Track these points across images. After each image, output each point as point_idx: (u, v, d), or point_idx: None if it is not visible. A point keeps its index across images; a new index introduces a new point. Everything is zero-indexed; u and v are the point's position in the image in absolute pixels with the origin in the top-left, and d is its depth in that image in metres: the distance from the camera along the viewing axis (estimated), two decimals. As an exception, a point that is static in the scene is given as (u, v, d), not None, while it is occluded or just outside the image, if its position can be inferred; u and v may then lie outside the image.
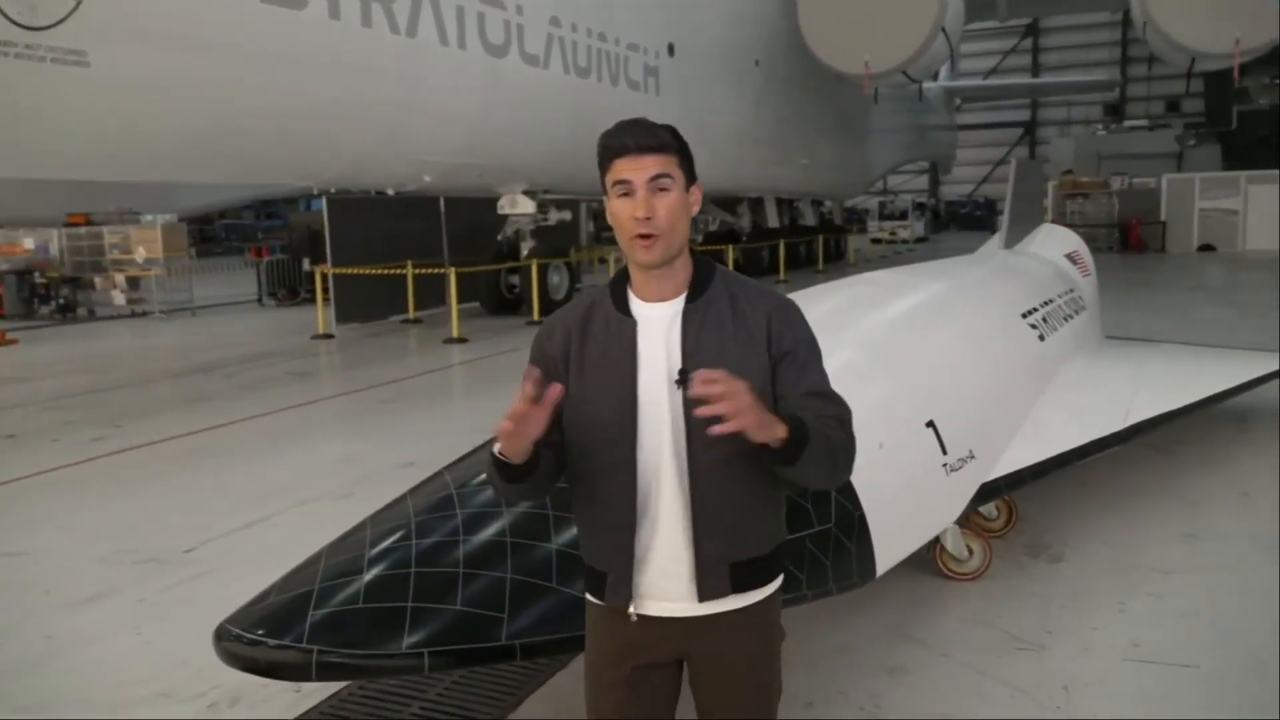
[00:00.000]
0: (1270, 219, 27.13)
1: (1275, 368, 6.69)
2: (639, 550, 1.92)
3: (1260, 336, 11.03)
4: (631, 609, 1.94)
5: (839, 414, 1.91)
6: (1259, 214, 27.51)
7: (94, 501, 6.27)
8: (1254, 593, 4.19)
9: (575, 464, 1.97)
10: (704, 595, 1.92)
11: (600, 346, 1.93)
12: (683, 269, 1.94)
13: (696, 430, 1.80)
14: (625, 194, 1.86)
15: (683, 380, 1.84)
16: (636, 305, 1.94)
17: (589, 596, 2.06)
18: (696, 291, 1.93)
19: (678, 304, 1.92)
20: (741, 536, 1.94)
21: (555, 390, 1.78)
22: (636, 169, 1.84)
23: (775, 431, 1.73)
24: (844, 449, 1.89)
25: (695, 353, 1.87)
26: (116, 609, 4.45)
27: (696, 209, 1.94)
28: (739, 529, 1.93)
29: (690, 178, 1.92)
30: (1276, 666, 3.50)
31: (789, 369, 1.92)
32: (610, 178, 1.87)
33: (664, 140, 1.87)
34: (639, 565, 1.93)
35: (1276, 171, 27.54)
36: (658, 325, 1.91)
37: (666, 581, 1.92)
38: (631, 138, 1.85)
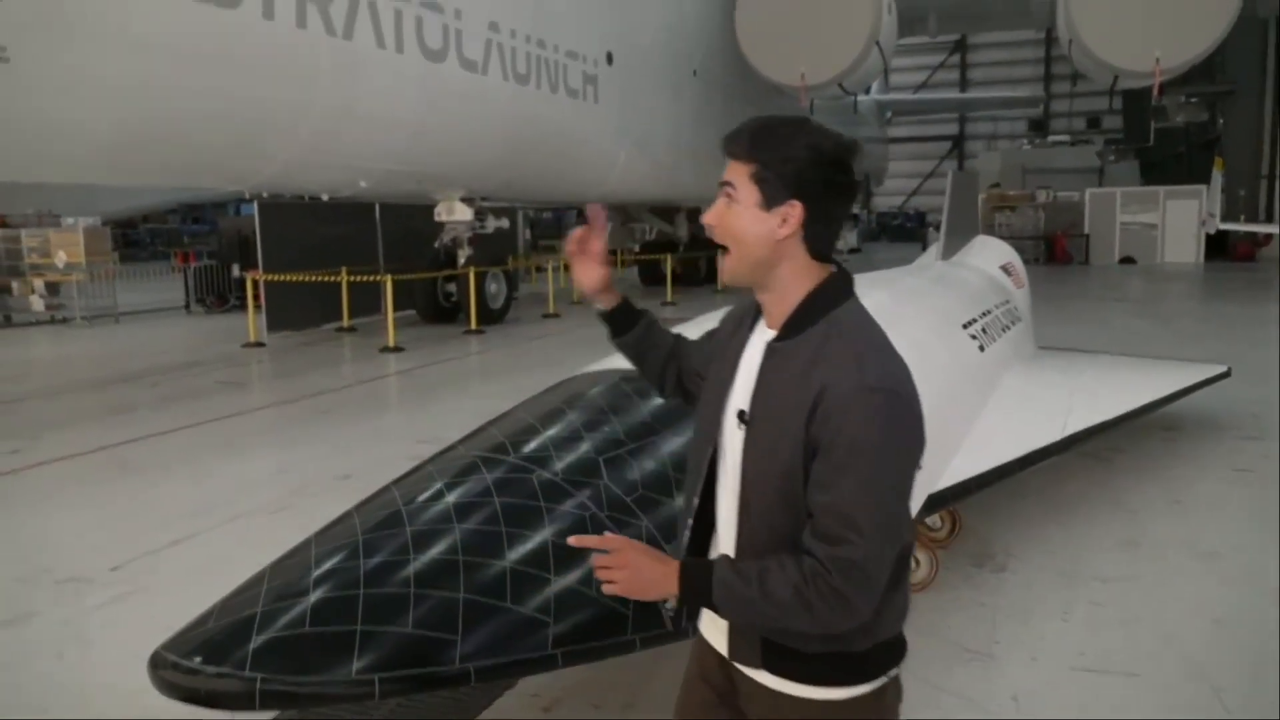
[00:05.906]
0: (1186, 233, 28.12)
1: (1198, 379, 6.88)
2: None
3: (1181, 345, 11.37)
4: (700, 623, 1.84)
5: (840, 556, 1.49)
6: (1176, 228, 28.46)
7: (10, 518, 5.98)
8: (1189, 600, 4.28)
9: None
10: (733, 654, 1.72)
11: (724, 348, 1.79)
12: (784, 300, 1.67)
13: (749, 479, 1.63)
14: None
15: (743, 420, 1.66)
16: (761, 323, 1.74)
17: None
18: (791, 329, 1.65)
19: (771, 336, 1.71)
20: None
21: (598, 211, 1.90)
22: (725, 172, 1.67)
23: (660, 589, 1.60)
24: (807, 606, 1.52)
25: (759, 399, 1.64)
26: (37, 631, 4.24)
27: (785, 233, 1.62)
28: None
29: (777, 194, 1.61)
30: (1213, 674, 3.57)
31: (820, 467, 1.54)
32: None
33: (740, 146, 1.64)
34: None
35: (1193, 187, 28.52)
36: (758, 353, 1.71)
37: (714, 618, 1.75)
38: (727, 140, 1.67)
